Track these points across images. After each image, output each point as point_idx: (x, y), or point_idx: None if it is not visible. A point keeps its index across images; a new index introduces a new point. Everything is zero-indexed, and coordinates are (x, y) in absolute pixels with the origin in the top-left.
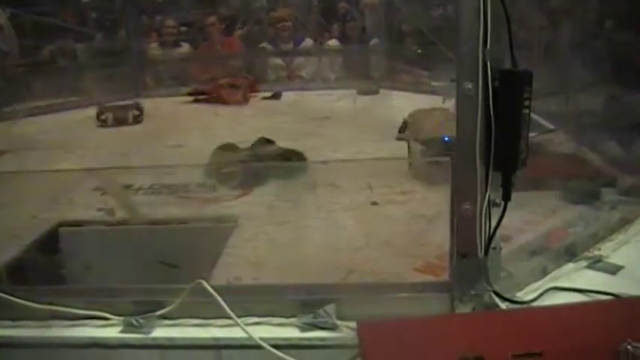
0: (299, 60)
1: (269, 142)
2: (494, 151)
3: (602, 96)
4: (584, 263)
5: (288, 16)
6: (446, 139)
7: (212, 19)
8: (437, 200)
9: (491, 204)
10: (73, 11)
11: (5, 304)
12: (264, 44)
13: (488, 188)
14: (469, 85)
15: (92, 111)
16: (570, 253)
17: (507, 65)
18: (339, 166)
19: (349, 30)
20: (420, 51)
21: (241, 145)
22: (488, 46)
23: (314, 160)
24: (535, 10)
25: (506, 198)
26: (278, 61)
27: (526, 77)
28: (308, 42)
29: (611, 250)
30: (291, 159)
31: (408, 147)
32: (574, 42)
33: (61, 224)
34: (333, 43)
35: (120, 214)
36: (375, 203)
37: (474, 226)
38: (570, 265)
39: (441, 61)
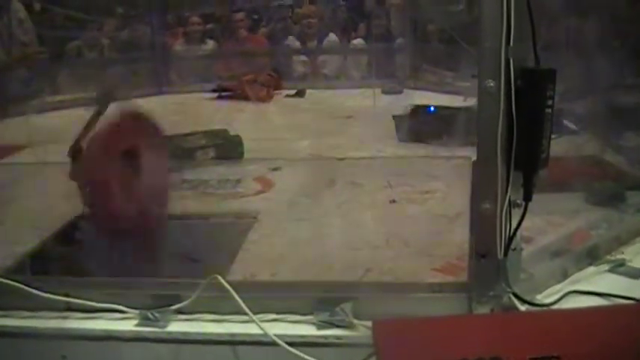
0: (323, 57)
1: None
2: (515, 150)
3: (629, 97)
4: (607, 267)
5: (313, 14)
6: (431, 109)
7: (240, 15)
8: (457, 200)
9: (512, 204)
10: (99, 6)
11: (21, 295)
12: (290, 38)
13: (509, 188)
14: (491, 83)
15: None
16: (592, 256)
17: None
18: (359, 163)
19: (375, 29)
20: (443, 47)
21: None
22: (511, 44)
23: (334, 157)
24: (561, 8)
25: (527, 198)
26: (302, 58)
27: (549, 75)
28: (332, 37)
29: (635, 254)
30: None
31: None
32: (601, 42)
33: (81, 216)
34: (358, 42)
35: None
36: (393, 201)
37: (493, 226)
38: (592, 269)
39: (465, 61)
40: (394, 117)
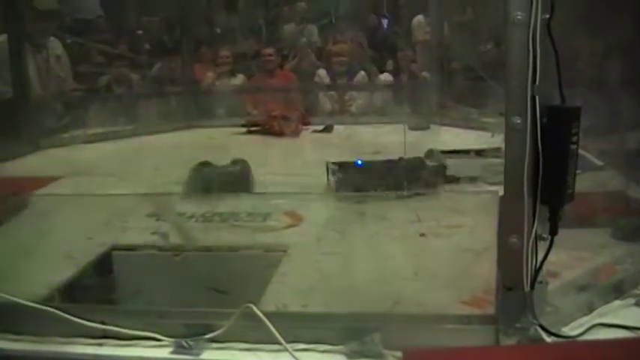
0: (351, 93)
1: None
2: (541, 185)
3: None
4: (632, 301)
5: (345, 52)
6: (358, 162)
7: (269, 49)
8: (484, 235)
9: (538, 238)
10: (127, 42)
11: (58, 321)
12: (321, 71)
13: (536, 222)
14: (518, 120)
15: (146, 139)
16: (618, 290)
17: (556, 101)
18: (388, 197)
19: (401, 65)
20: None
21: None
22: (537, 82)
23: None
24: (586, 46)
25: (553, 232)
26: (330, 94)
27: (574, 113)
28: (361, 75)
29: None
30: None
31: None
32: (625, 78)
33: (115, 248)
34: (384, 77)
35: (174, 239)
36: (423, 235)
37: (520, 259)
38: (617, 302)
39: (491, 98)
40: (328, 164)
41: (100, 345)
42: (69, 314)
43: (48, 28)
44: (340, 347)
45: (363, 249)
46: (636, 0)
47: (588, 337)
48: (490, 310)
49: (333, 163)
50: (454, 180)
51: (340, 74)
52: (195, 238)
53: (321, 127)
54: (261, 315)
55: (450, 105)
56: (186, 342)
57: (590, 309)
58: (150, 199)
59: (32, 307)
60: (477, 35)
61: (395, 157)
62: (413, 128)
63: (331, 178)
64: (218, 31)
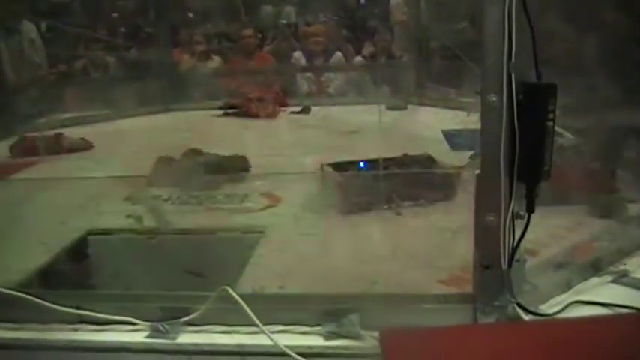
0: (328, 74)
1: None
2: (517, 162)
3: (631, 111)
4: (609, 277)
5: (321, 33)
6: (361, 165)
7: (249, 31)
8: (461, 213)
9: (515, 216)
10: (103, 25)
11: (34, 308)
12: (297, 54)
13: (512, 200)
14: (494, 97)
15: (123, 123)
16: (595, 268)
17: (532, 78)
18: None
19: (379, 45)
20: (446, 64)
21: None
22: (512, 59)
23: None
24: (563, 23)
25: (530, 210)
26: (307, 75)
27: (550, 90)
28: (337, 56)
29: (637, 265)
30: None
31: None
32: (603, 56)
33: (91, 232)
34: (358, 59)
35: (148, 222)
36: (399, 214)
37: (497, 237)
38: (595, 280)
39: (468, 77)
40: (323, 166)
41: (76, 330)
42: (44, 300)
43: (21, 11)
44: (318, 328)
45: (341, 230)
46: None
47: (566, 314)
48: (468, 288)
49: (329, 165)
50: None
51: (316, 55)
52: (171, 221)
53: (298, 109)
54: (237, 297)
55: (428, 85)
56: (162, 325)
57: (567, 286)
58: (127, 182)
59: (7, 293)
60: (454, 13)
61: (399, 153)
62: (391, 108)
63: (329, 191)
64: (190, 15)
